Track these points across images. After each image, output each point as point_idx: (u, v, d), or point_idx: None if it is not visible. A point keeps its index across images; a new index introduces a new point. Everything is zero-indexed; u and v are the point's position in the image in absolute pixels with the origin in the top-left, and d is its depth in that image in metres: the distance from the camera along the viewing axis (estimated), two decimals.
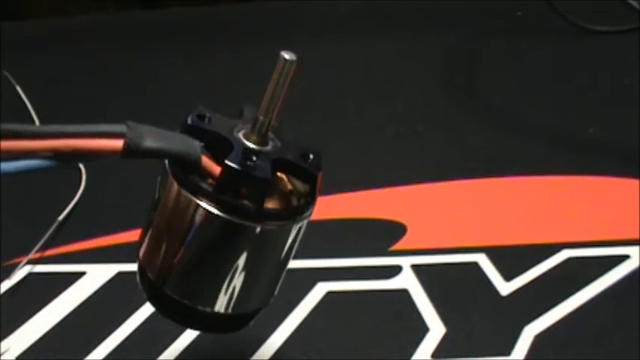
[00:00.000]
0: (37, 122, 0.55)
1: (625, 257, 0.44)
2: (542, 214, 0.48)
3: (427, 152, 0.54)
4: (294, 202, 0.27)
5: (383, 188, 0.50)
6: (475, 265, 0.44)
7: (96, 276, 0.43)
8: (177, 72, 0.63)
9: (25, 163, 0.23)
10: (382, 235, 0.46)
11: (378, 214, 0.48)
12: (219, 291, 0.27)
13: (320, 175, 0.27)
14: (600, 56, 0.64)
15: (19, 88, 0.59)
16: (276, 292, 0.29)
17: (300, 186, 0.27)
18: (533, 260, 0.44)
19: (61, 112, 0.57)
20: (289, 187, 0.27)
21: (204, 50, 0.66)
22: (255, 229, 0.26)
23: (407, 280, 0.43)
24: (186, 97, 0.60)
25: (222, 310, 0.28)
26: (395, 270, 0.44)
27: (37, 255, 0.44)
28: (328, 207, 0.48)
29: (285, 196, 0.27)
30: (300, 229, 0.27)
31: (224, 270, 0.27)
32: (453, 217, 0.48)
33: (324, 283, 0.43)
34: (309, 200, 0.27)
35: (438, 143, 0.55)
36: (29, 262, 0.44)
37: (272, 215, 0.26)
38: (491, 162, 0.52)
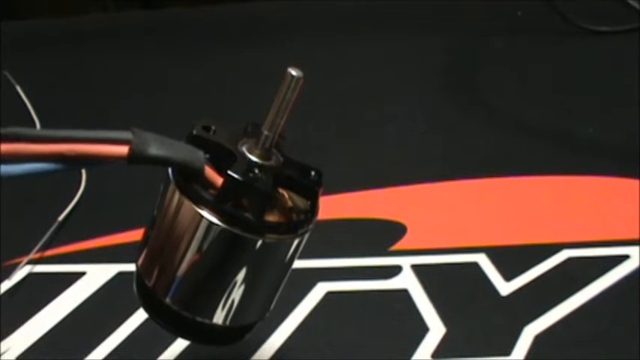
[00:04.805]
0: (37, 122, 0.55)
1: (625, 257, 0.44)
2: (542, 214, 0.48)
3: (427, 152, 0.54)
4: (295, 217, 0.27)
5: (383, 188, 0.50)
6: (475, 265, 0.44)
7: (96, 276, 0.43)
8: (177, 72, 0.63)
9: (30, 167, 0.23)
10: (382, 235, 0.46)
11: (378, 214, 0.48)
12: (218, 303, 0.27)
13: (320, 192, 0.27)
14: (600, 56, 0.64)
15: (19, 88, 0.59)
16: (272, 307, 0.29)
17: (301, 202, 0.28)
18: (533, 260, 0.44)
19: (60, 112, 0.57)
20: (290, 202, 0.27)
21: (204, 50, 0.66)
22: (254, 241, 0.26)
23: (407, 280, 0.43)
24: (186, 96, 0.60)
25: (219, 322, 0.28)
26: (395, 270, 0.44)
27: (37, 255, 0.44)
28: (328, 207, 0.48)
29: (285, 210, 0.27)
30: (299, 244, 0.27)
31: (224, 281, 0.27)
32: (453, 217, 0.48)
33: (324, 283, 0.43)
34: (310, 216, 0.27)
35: (438, 143, 0.55)
36: (29, 262, 0.44)
37: (272, 228, 0.26)
38: (491, 162, 0.52)
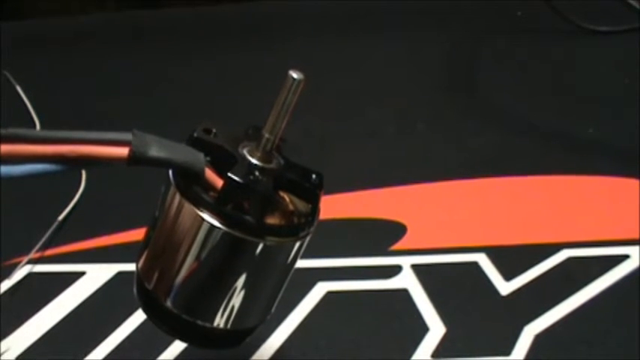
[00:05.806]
0: (36, 122, 0.55)
1: (625, 257, 0.44)
2: (542, 214, 0.48)
3: (427, 152, 0.54)
4: (296, 220, 0.27)
5: (383, 188, 0.50)
6: (475, 265, 0.44)
7: (96, 276, 0.43)
8: (178, 72, 0.63)
9: (30, 167, 0.23)
10: (382, 235, 0.46)
11: (378, 214, 0.48)
12: (219, 306, 0.27)
13: (321, 195, 0.27)
14: (600, 56, 0.64)
15: (19, 88, 0.59)
16: (273, 310, 0.29)
17: (302, 205, 0.27)
18: (533, 260, 0.44)
19: (61, 112, 0.57)
20: (291, 205, 0.27)
21: (204, 50, 0.66)
22: (256, 244, 0.26)
23: (407, 280, 0.43)
24: (186, 96, 0.60)
25: (220, 326, 0.27)
26: (395, 270, 0.44)
27: (37, 255, 0.44)
28: (328, 207, 0.47)
29: (286, 213, 0.27)
30: (300, 247, 0.27)
31: (225, 284, 0.27)
32: (453, 217, 0.48)
33: (324, 283, 0.43)
34: (311, 219, 0.27)
35: (438, 143, 0.55)
36: (29, 262, 0.44)
37: (273, 231, 0.26)
38: (491, 162, 0.52)
